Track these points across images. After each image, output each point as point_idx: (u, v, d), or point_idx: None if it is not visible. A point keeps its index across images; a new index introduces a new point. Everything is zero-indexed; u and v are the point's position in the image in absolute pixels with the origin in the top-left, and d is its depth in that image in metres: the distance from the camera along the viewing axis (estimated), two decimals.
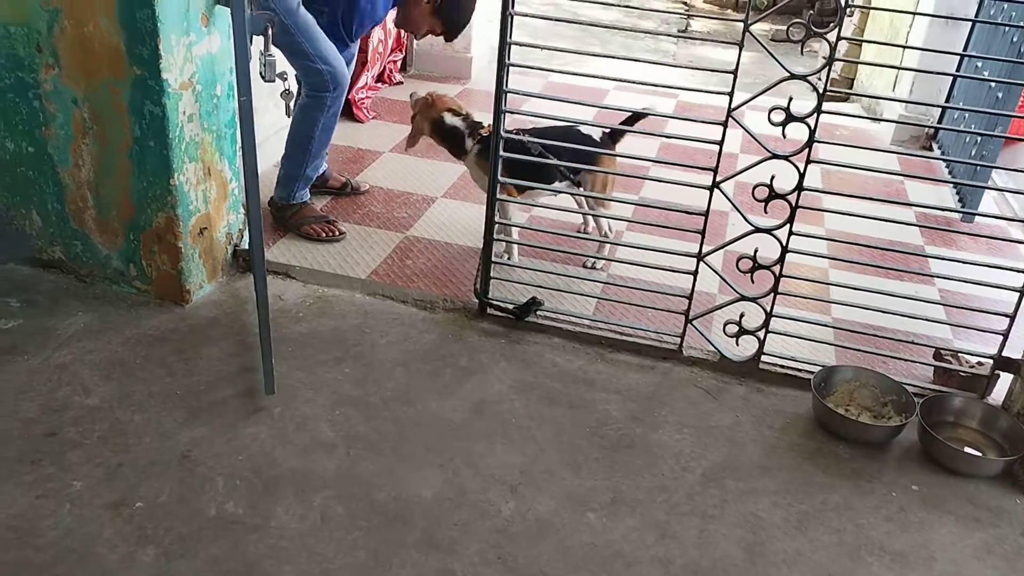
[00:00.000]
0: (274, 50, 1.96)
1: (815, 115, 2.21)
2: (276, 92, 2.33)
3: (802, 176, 2.28)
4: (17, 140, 2.52)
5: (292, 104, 2.22)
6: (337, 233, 3.05)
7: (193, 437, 2.10)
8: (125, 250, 2.59)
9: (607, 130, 2.92)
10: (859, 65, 5.38)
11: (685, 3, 9.37)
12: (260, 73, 1.99)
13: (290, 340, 2.50)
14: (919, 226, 3.31)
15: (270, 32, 1.89)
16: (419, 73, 4.99)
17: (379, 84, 4.60)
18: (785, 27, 2.24)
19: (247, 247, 2.80)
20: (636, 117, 2.87)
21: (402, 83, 4.79)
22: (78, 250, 2.64)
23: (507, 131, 2.50)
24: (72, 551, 1.76)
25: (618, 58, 2.50)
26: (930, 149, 4.43)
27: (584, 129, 2.91)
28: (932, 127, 4.42)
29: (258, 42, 1.93)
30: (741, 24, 2.16)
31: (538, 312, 2.65)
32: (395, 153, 3.88)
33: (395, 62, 4.78)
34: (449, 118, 2.90)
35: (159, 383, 2.27)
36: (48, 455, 2.00)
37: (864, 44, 5.14)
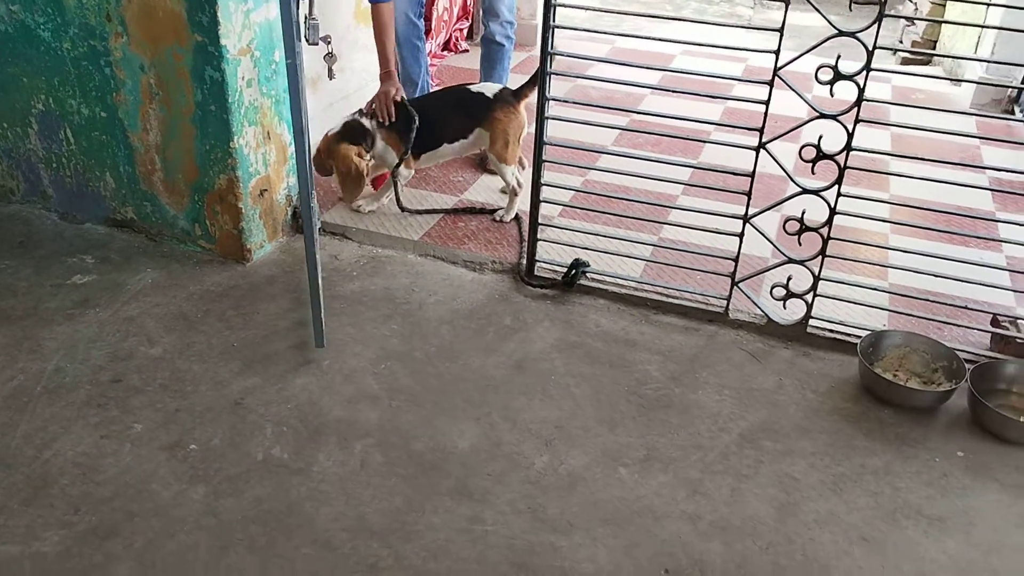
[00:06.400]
0: (317, 14, 2.02)
1: (864, 73, 2.15)
2: (342, 58, 2.40)
3: (851, 136, 2.23)
4: (91, 106, 2.67)
5: (334, 67, 2.28)
6: None
7: (246, 386, 2.21)
8: (190, 211, 2.72)
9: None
10: (942, 27, 5.17)
11: None
12: (304, 36, 2.05)
13: (343, 298, 2.59)
14: (992, 190, 3.19)
15: None
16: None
17: (445, 52, 4.65)
18: None
19: None
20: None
21: (468, 51, 4.83)
22: (148, 211, 2.79)
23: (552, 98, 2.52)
24: (130, 487, 1.90)
25: (661, 18, 2.48)
26: (1012, 112, 4.24)
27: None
28: (1015, 87, 4.22)
29: (304, 5, 1.99)
30: None
31: (585, 274, 2.67)
32: None
33: (461, 30, 4.82)
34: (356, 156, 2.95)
35: (218, 336, 2.39)
36: (113, 400, 2.15)
37: (947, 4, 4.94)
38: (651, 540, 1.84)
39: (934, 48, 5.28)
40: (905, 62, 5.24)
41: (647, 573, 1.76)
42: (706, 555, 1.81)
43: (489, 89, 2.99)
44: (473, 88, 3.01)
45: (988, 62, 4.39)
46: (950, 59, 5.05)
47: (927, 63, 5.24)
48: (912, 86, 4.70)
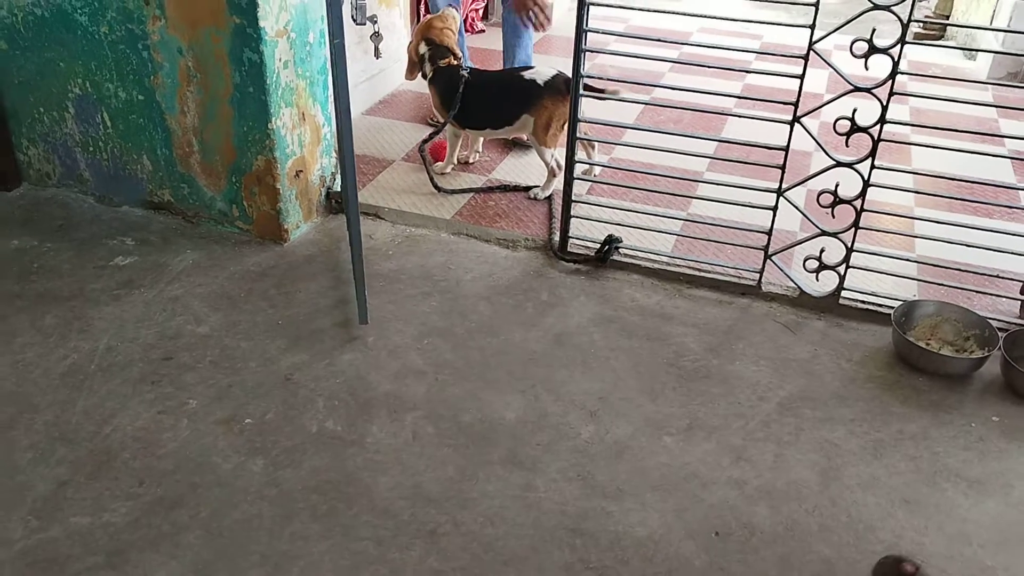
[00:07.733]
0: None
1: (899, 46, 2.18)
2: (365, 40, 2.43)
3: (884, 109, 2.26)
4: (128, 89, 2.70)
5: (380, 46, 2.31)
6: None
7: (295, 362, 2.26)
8: (228, 192, 2.76)
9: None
10: (955, 1, 5.18)
11: None
12: (352, 16, 2.08)
13: (381, 276, 2.63)
14: (1012, 158, 3.22)
15: None
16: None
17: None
18: None
19: (339, 189, 2.94)
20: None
21: (484, 31, 4.85)
22: (185, 192, 2.83)
23: (589, 75, 2.55)
24: (190, 460, 1.95)
25: None
26: None
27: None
28: None
29: None
30: None
31: (618, 249, 2.71)
32: None
33: (477, 10, 4.84)
34: (423, 46, 3.03)
35: (262, 314, 2.44)
36: (166, 377, 2.19)
37: None
38: (699, 505, 1.89)
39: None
40: (917, 37, 5.26)
41: (698, 535, 1.82)
42: (754, 518, 1.86)
43: (541, 76, 2.99)
44: (526, 75, 3.02)
45: (1001, 31, 4.41)
46: (964, 33, 5.07)
47: (939, 37, 5.26)
48: (927, 60, 4.72)
